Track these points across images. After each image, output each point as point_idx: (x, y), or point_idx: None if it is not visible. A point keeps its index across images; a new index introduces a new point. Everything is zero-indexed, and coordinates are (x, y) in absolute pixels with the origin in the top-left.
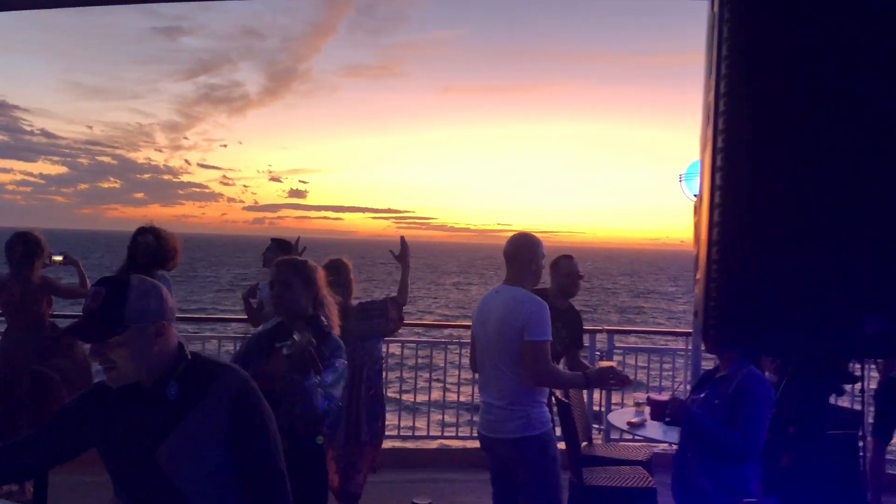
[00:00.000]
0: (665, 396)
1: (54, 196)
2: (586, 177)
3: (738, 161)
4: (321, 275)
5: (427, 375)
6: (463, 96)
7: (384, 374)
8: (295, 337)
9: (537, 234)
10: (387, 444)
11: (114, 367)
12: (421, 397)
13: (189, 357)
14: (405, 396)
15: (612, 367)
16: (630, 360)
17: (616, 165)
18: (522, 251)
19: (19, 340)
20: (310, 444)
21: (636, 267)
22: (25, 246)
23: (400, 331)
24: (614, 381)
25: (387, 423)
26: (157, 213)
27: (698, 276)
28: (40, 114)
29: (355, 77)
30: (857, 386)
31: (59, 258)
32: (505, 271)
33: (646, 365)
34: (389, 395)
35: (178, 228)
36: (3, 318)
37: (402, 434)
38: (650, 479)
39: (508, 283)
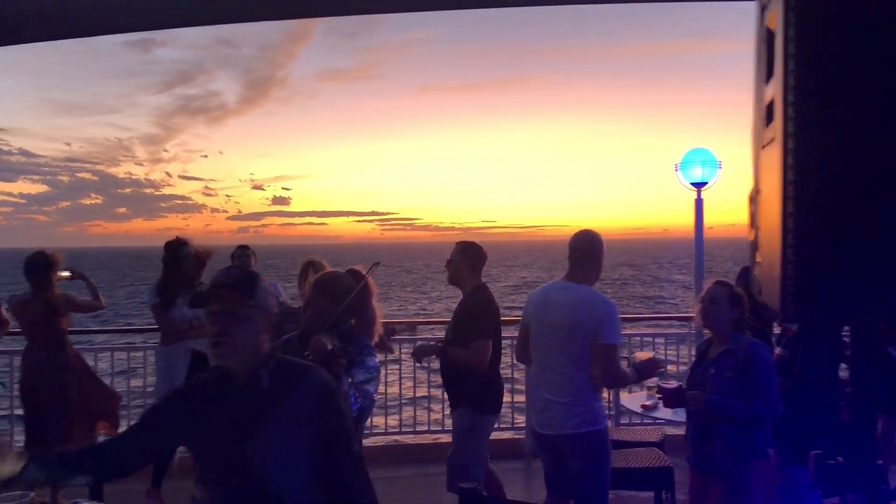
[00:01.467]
0: (674, 384)
1: (35, 215)
2: (569, 170)
3: (810, 160)
4: (362, 286)
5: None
6: (441, 95)
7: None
8: (315, 340)
9: (523, 230)
10: (406, 439)
11: (228, 341)
12: (434, 392)
13: (277, 357)
14: (419, 392)
15: (653, 358)
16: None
17: (597, 157)
18: (592, 248)
19: (39, 358)
20: None
21: (633, 258)
22: (44, 264)
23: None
24: (660, 369)
25: (406, 418)
26: (141, 228)
27: (759, 259)
28: (17, 133)
29: (333, 81)
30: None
31: (66, 273)
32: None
33: (653, 351)
34: (405, 392)
35: (162, 242)
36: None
37: (417, 430)
38: (666, 458)
39: (573, 280)
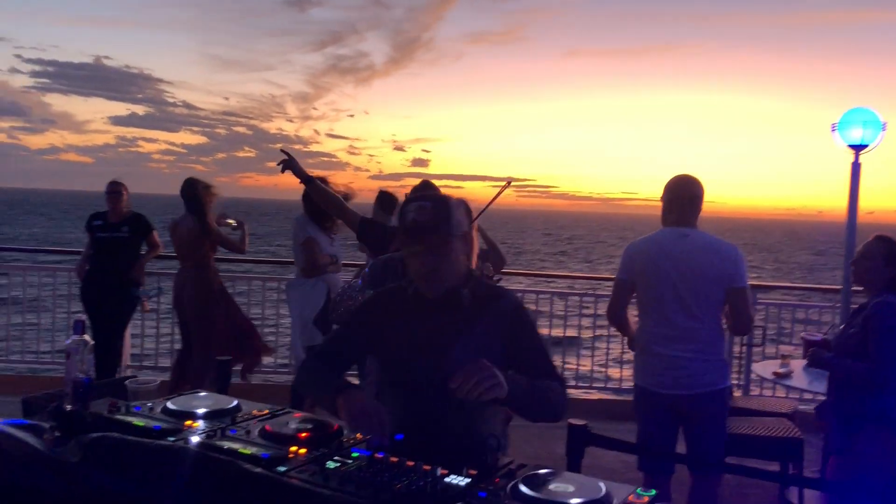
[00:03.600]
0: (818, 336)
1: (195, 164)
2: (715, 144)
3: None
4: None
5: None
6: (587, 60)
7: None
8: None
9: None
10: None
11: (435, 277)
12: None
13: (475, 277)
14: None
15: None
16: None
17: (746, 133)
18: (697, 192)
19: (188, 277)
20: None
21: (773, 241)
22: (201, 187)
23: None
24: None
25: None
26: (289, 182)
27: None
28: (181, 86)
29: (479, 44)
30: None
31: (232, 222)
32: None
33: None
34: None
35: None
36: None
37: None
38: (796, 429)
39: (686, 226)
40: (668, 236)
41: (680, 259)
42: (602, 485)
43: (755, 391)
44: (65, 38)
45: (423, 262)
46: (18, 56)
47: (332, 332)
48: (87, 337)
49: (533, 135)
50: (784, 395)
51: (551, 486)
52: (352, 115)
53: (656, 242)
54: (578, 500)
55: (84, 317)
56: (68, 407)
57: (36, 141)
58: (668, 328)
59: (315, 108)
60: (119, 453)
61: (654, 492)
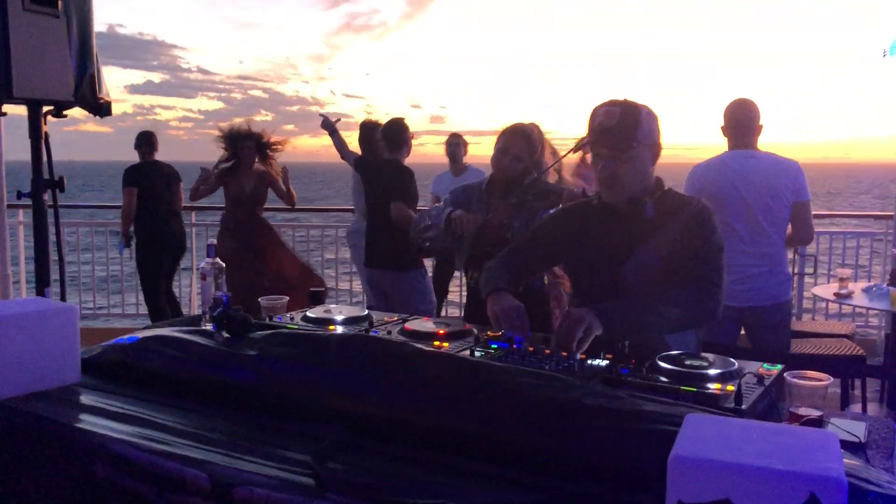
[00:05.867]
0: None
1: (213, 130)
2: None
3: None
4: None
5: None
6: None
7: None
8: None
9: None
10: None
11: (616, 182)
12: None
13: (665, 187)
14: None
15: None
16: (827, 243)
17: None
18: (754, 113)
19: (240, 222)
20: (539, 284)
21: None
22: (244, 135)
23: None
24: None
25: None
26: (307, 144)
27: None
28: (196, 51)
29: None
30: None
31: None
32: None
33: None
34: None
35: (325, 158)
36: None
37: None
38: (857, 348)
39: (748, 147)
40: (734, 157)
41: (747, 177)
42: (733, 360)
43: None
44: None
45: (604, 166)
46: None
47: (515, 242)
48: (218, 259)
49: (553, 83)
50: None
51: (687, 361)
52: (367, 74)
53: (723, 163)
54: (716, 371)
55: (215, 240)
56: (235, 312)
57: None
58: (738, 242)
59: (330, 69)
60: (296, 343)
61: (780, 366)
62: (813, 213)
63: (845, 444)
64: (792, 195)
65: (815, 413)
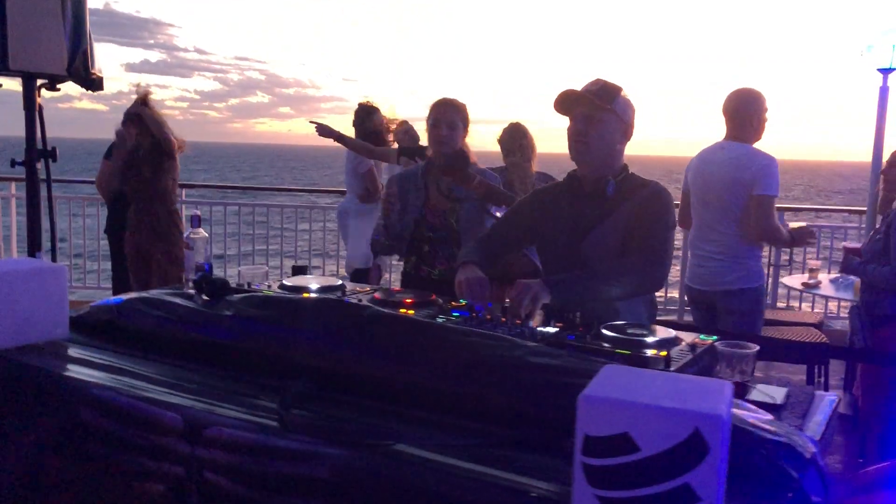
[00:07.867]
0: (858, 245)
1: (207, 111)
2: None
3: None
4: None
5: None
6: None
7: None
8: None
9: None
10: None
11: (582, 141)
12: None
13: (629, 172)
14: None
15: (807, 227)
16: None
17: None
18: (746, 106)
19: None
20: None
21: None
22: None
23: None
24: (811, 239)
25: None
26: (303, 127)
27: None
28: (192, 30)
29: None
30: None
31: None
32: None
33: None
34: None
35: (320, 141)
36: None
37: None
38: (823, 336)
39: (732, 139)
40: (711, 149)
41: (713, 167)
42: (672, 331)
43: (781, 305)
44: None
45: (575, 127)
46: None
47: (496, 222)
48: (202, 230)
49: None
50: (810, 311)
51: (629, 330)
52: (365, 59)
53: (700, 156)
54: (653, 339)
55: (199, 212)
56: (214, 276)
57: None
58: (700, 230)
59: (328, 51)
60: (269, 306)
61: (715, 337)
62: (791, 207)
63: (763, 405)
64: (748, 188)
65: (741, 379)
